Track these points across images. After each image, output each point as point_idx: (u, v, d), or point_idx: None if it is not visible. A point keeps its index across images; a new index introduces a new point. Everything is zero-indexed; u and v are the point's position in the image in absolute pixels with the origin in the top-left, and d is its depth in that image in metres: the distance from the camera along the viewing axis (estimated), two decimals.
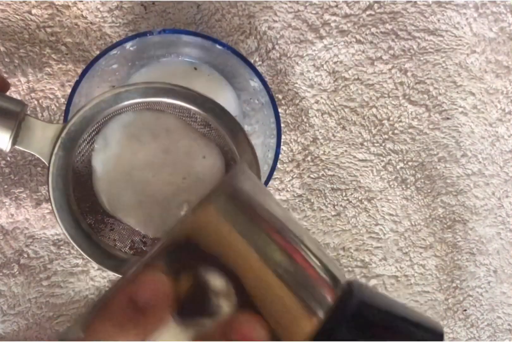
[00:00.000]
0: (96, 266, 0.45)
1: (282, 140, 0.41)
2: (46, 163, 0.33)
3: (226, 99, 0.43)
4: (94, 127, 0.35)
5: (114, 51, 0.37)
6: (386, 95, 0.47)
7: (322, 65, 0.46)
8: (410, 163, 0.48)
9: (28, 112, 0.34)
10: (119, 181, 0.36)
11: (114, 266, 0.34)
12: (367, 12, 0.46)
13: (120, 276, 0.33)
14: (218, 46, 0.38)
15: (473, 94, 0.48)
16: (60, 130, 0.33)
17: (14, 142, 0.32)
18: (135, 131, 0.36)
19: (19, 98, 0.44)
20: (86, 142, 0.35)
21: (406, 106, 0.47)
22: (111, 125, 0.36)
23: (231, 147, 0.35)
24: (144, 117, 0.36)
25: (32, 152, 0.33)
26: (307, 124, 0.46)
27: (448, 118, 0.48)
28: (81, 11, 0.44)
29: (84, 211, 0.35)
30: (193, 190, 0.36)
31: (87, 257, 0.33)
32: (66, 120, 0.37)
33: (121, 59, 0.39)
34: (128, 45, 0.38)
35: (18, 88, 0.44)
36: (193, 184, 0.36)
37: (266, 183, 0.40)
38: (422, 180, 0.48)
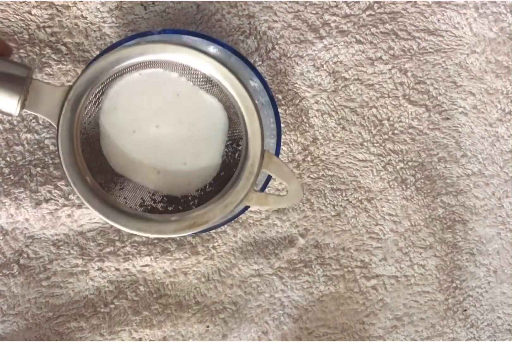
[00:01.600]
0: (95, 266, 0.45)
1: (282, 140, 0.41)
2: (54, 125, 0.34)
3: None
4: (99, 88, 0.36)
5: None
6: (386, 96, 0.47)
7: (322, 65, 0.46)
8: (410, 163, 0.48)
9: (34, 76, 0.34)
10: (125, 139, 0.37)
11: (125, 222, 0.34)
12: (367, 12, 0.46)
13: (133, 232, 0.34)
14: (218, 47, 0.38)
15: (473, 94, 0.48)
16: (67, 93, 0.33)
17: (23, 106, 0.33)
18: (139, 88, 0.37)
19: None
20: (92, 103, 0.36)
21: (406, 107, 0.47)
22: (115, 85, 0.37)
23: (233, 102, 0.35)
24: (147, 75, 0.37)
25: (40, 115, 0.34)
26: (307, 125, 0.46)
27: (448, 119, 0.48)
28: (81, 11, 0.44)
29: (93, 171, 0.36)
30: (197, 142, 0.38)
31: (98, 214, 0.34)
32: None
33: None
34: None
35: None
36: (196, 136, 0.38)
37: (267, 182, 0.40)
38: (422, 180, 0.48)
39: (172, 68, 0.37)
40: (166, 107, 0.37)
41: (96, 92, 0.35)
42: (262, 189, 0.40)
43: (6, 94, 0.33)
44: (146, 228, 0.34)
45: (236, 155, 0.38)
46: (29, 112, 0.34)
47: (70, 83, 0.35)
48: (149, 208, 0.38)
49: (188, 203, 0.38)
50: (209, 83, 0.37)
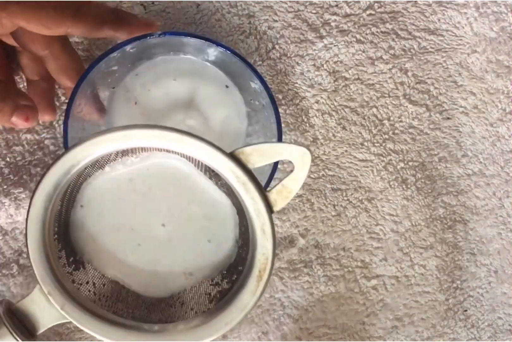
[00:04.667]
0: None
1: (282, 140, 0.41)
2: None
3: (232, 99, 0.43)
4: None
5: (114, 54, 0.37)
6: (386, 95, 0.47)
7: (322, 65, 0.46)
8: (410, 163, 0.47)
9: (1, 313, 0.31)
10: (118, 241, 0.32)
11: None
12: (368, 12, 0.46)
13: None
14: (218, 48, 0.38)
15: (473, 94, 0.48)
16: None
17: (29, 337, 0.30)
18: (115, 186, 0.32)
19: None
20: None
21: (407, 106, 0.47)
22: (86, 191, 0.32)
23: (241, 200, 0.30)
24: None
25: (53, 324, 0.31)
26: (307, 124, 0.46)
27: (448, 118, 0.48)
28: None
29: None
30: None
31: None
32: (66, 121, 0.37)
33: (121, 61, 0.39)
34: (128, 48, 0.38)
35: (20, 85, 0.44)
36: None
37: (268, 183, 0.40)
38: (423, 180, 0.48)
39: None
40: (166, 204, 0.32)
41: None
42: (271, 174, 0.38)
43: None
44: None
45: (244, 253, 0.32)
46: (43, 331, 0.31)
47: None
48: (156, 321, 0.32)
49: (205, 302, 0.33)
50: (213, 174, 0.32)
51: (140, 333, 0.30)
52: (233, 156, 0.28)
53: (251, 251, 0.30)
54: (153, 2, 0.44)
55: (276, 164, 0.39)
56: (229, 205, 0.32)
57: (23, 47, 0.37)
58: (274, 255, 0.29)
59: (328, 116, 0.46)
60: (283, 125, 0.45)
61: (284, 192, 0.29)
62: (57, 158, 0.29)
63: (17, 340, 0.29)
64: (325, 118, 0.46)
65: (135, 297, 0.32)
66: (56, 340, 0.45)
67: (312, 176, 0.47)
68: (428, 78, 0.47)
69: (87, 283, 0.32)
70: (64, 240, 0.31)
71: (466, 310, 0.49)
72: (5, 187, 0.44)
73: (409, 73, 0.47)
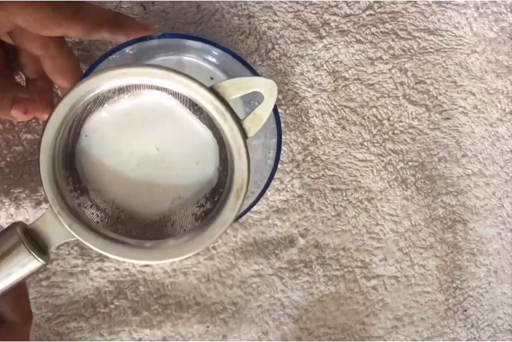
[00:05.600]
0: (95, 266, 0.45)
1: (282, 140, 0.41)
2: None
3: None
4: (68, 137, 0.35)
5: (114, 55, 0.37)
6: (386, 95, 0.47)
7: (322, 65, 0.46)
8: (410, 163, 0.47)
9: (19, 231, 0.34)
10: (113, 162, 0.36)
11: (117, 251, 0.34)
12: (367, 12, 0.46)
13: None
14: (217, 49, 0.38)
15: (473, 94, 0.48)
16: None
17: (44, 253, 0.34)
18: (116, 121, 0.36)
19: None
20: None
21: (406, 106, 0.47)
22: (87, 126, 0.36)
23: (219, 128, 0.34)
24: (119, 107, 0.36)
25: (60, 244, 0.34)
26: (307, 124, 0.46)
27: (448, 118, 0.48)
28: None
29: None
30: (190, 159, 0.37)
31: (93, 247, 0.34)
32: None
33: (120, 63, 0.39)
34: (127, 49, 0.38)
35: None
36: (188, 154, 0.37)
37: (268, 183, 0.40)
38: (422, 180, 0.48)
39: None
40: (153, 149, 0.37)
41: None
42: (271, 174, 0.40)
43: (20, 261, 0.33)
44: (154, 256, 0.34)
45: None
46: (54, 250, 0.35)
47: None
48: (151, 237, 0.37)
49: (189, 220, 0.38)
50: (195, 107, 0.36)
51: (137, 249, 0.34)
52: (213, 90, 0.32)
53: (229, 174, 0.34)
54: (153, 2, 0.44)
55: (276, 164, 0.39)
56: (210, 135, 0.36)
57: (19, 46, 0.37)
58: (249, 175, 0.33)
59: (328, 116, 0.47)
60: (283, 125, 0.45)
61: (256, 120, 0.33)
62: (64, 94, 0.32)
63: (34, 256, 0.33)
64: (325, 118, 0.47)
65: (132, 219, 0.37)
66: (56, 340, 0.45)
67: (312, 176, 0.47)
68: (428, 78, 0.47)
69: (91, 206, 0.36)
70: (71, 168, 0.35)
71: (466, 310, 0.49)
72: (5, 186, 0.44)
73: (409, 73, 0.47)
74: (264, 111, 0.33)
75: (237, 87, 0.32)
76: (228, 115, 0.32)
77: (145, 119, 0.36)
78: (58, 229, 0.33)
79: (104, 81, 0.32)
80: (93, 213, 0.36)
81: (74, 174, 0.36)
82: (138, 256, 0.34)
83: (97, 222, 0.36)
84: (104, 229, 0.35)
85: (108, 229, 0.35)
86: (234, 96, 0.33)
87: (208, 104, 0.32)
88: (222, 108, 0.32)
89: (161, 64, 0.32)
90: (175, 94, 0.35)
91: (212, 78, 0.42)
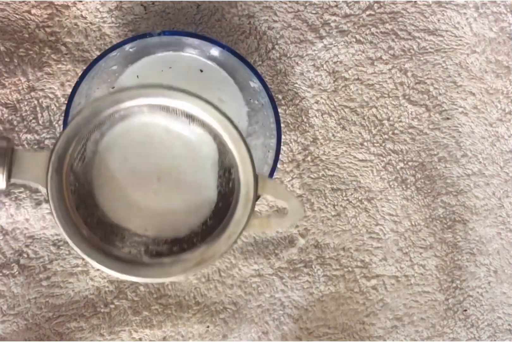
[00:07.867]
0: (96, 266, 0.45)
1: (282, 140, 0.41)
2: (43, 190, 0.33)
3: (232, 97, 0.43)
4: (82, 144, 0.34)
5: (113, 53, 0.37)
6: (386, 95, 0.47)
7: (322, 65, 0.46)
8: (410, 163, 0.47)
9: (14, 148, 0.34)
10: (120, 183, 0.36)
11: (131, 271, 0.34)
12: (367, 12, 0.46)
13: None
14: (217, 48, 0.38)
15: (473, 94, 0.48)
16: (49, 157, 0.33)
17: (9, 178, 0.33)
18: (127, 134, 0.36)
19: (19, 97, 0.44)
20: (78, 160, 0.35)
21: (406, 106, 0.47)
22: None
23: (216, 131, 0.34)
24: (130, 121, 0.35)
25: (28, 183, 0.34)
26: (307, 125, 0.46)
27: (448, 118, 0.48)
28: (81, 11, 0.44)
29: (92, 226, 0.35)
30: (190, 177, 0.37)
31: (102, 267, 0.33)
32: (65, 121, 0.37)
33: (120, 60, 0.39)
34: (127, 47, 0.38)
35: (18, 87, 0.44)
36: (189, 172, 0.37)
37: (275, 165, 0.40)
38: (422, 180, 0.48)
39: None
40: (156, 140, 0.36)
41: (79, 149, 0.35)
42: (271, 174, 0.40)
43: None
44: (153, 274, 0.33)
45: (230, 184, 0.36)
46: (18, 182, 0.34)
47: (70, 83, 0.35)
48: (154, 252, 0.36)
49: (192, 240, 0.36)
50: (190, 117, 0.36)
51: (137, 265, 0.33)
52: (255, 176, 0.33)
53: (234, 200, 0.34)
54: (153, 3, 0.44)
55: (275, 164, 0.40)
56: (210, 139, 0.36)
57: None
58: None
59: (328, 117, 0.47)
60: (282, 125, 0.45)
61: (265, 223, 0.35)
62: (83, 107, 0.32)
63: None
64: (325, 119, 0.47)
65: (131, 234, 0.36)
66: (56, 340, 0.45)
67: (312, 176, 0.47)
68: (428, 78, 0.47)
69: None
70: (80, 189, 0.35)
71: (465, 310, 0.49)
72: None
73: (409, 74, 0.47)
74: (278, 225, 0.36)
75: (272, 192, 0.35)
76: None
77: (151, 136, 0.35)
78: (36, 172, 0.33)
79: (125, 100, 0.32)
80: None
81: (82, 189, 0.35)
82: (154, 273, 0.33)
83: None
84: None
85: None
86: (264, 195, 0.34)
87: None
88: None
89: (200, 97, 0.32)
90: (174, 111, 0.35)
91: (201, 71, 0.42)
